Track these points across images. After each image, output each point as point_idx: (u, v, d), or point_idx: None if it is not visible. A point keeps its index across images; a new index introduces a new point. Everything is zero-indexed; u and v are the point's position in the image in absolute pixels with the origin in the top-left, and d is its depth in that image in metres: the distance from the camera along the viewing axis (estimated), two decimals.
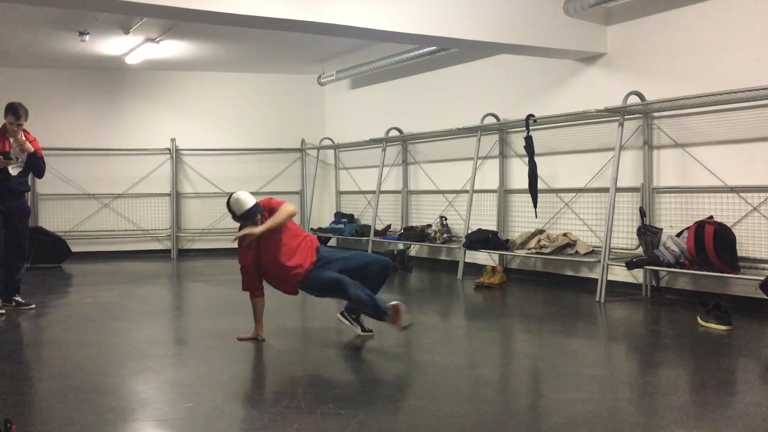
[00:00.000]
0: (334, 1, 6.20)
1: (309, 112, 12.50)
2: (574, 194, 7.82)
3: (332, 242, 12.04)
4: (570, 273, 7.91)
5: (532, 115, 7.73)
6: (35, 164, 6.56)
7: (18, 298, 6.58)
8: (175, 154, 11.87)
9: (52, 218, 11.33)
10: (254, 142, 12.14)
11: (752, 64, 6.13)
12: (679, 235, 6.36)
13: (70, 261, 10.40)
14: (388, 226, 10.45)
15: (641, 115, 7.00)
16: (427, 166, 10.09)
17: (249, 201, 5.04)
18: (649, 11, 7.02)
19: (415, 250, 10.05)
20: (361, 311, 5.16)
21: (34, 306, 6.59)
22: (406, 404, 3.66)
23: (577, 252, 7.46)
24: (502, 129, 8.70)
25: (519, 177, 8.43)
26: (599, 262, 6.86)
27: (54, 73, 11.42)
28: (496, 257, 8.63)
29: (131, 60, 10.42)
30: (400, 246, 9.72)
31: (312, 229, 12.07)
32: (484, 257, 8.64)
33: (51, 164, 11.31)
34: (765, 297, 5.63)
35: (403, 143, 10.42)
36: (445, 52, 8.74)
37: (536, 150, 7.67)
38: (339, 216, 11.67)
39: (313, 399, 3.68)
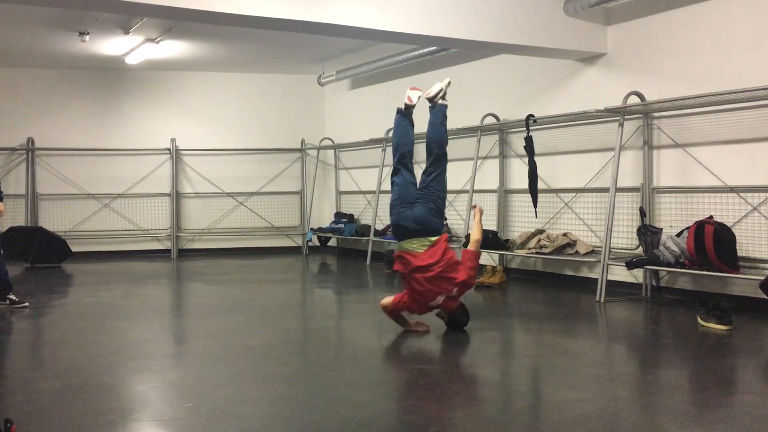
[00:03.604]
0: (334, 1, 6.20)
1: (309, 112, 12.51)
2: (574, 194, 7.82)
3: (332, 242, 12.07)
4: (570, 273, 7.92)
5: (532, 115, 7.72)
6: None
7: (12, 296, 6.61)
8: (175, 154, 11.87)
9: (52, 218, 11.34)
10: (254, 142, 12.14)
11: (752, 64, 6.13)
12: (679, 235, 6.36)
13: (70, 261, 10.40)
14: (388, 226, 10.45)
15: (641, 115, 7.00)
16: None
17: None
18: (649, 11, 7.02)
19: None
20: None
21: (27, 305, 6.62)
22: (406, 404, 3.66)
23: (577, 252, 7.46)
24: (502, 129, 8.70)
25: (519, 177, 8.43)
26: (599, 262, 6.86)
27: (54, 73, 11.43)
28: (496, 257, 8.63)
29: (131, 60, 10.42)
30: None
31: (312, 229, 12.09)
32: (484, 257, 8.63)
33: (51, 164, 11.43)
34: (765, 297, 5.64)
35: None
36: (445, 52, 8.73)
37: (536, 150, 7.66)
38: (339, 216, 11.67)
39: (313, 399, 3.68)
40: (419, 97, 5.66)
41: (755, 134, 6.16)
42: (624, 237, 7.22)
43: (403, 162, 5.50)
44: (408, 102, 5.64)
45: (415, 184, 5.47)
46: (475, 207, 5.82)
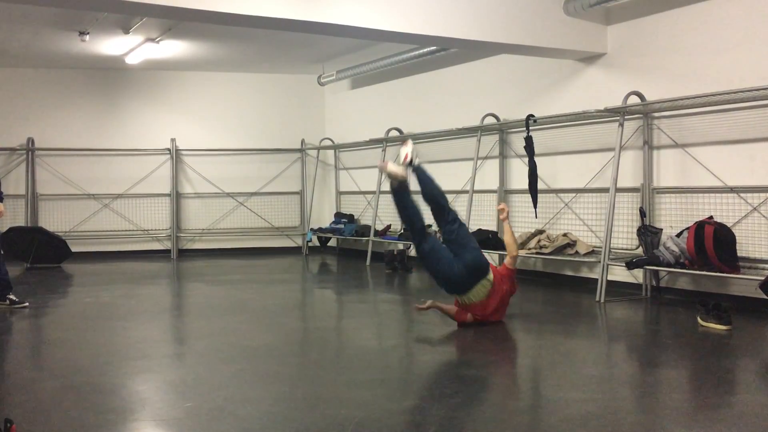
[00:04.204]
0: (334, 1, 6.20)
1: (309, 112, 12.51)
2: (574, 194, 7.82)
3: (332, 242, 12.06)
4: (570, 273, 7.91)
5: (532, 115, 7.72)
6: None
7: (12, 296, 6.60)
8: (175, 154, 11.87)
9: (52, 218, 11.33)
10: (254, 142, 12.14)
11: (752, 64, 6.12)
12: (679, 235, 6.35)
13: (70, 261, 10.40)
14: (388, 226, 10.45)
15: (641, 115, 6.99)
16: (427, 166, 10.04)
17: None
18: (649, 11, 7.02)
19: (415, 250, 10.04)
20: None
21: (27, 305, 6.62)
22: (406, 404, 3.66)
23: (577, 252, 7.46)
24: (502, 129, 8.70)
25: (519, 177, 8.42)
26: (599, 262, 6.86)
27: (54, 73, 11.43)
28: (496, 257, 8.62)
29: (131, 60, 10.42)
30: (400, 246, 9.71)
31: (312, 229, 12.09)
32: None
33: (51, 164, 11.43)
34: (765, 297, 5.63)
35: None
36: (445, 52, 8.73)
37: (536, 150, 7.66)
38: (339, 216, 11.67)
39: (312, 399, 3.68)
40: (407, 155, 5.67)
41: (755, 134, 6.15)
42: (624, 237, 7.21)
43: (424, 232, 5.52)
44: (403, 162, 5.62)
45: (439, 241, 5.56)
46: (502, 211, 5.90)
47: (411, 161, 5.65)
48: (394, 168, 5.50)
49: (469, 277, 5.31)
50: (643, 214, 6.72)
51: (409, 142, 5.77)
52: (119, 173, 11.70)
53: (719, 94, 6.06)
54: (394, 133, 10.38)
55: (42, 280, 8.73)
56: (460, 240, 5.43)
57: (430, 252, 5.43)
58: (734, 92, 5.92)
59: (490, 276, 5.38)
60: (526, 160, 7.76)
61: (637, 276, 7.04)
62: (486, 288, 5.35)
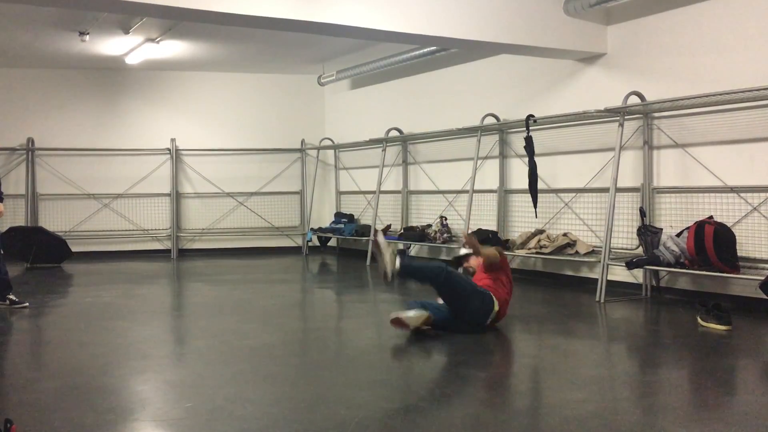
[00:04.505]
0: (334, 1, 6.21)
1: (309, 112, 12.51)
2: (574, 194, 7.82)
3: (332, 242, 12.07)
4: (570, 273, 7.92)
5: (532, 116, 7.73)
6: None
7: (12, 296, 6.60)
8: (175, 154, 11.87)
9: (52, 218, 11.34)
10: (254, 142, 12.14)
11: (752, 64, 6.13)
12: (679, 235, 6.36)
13: (70, 261, 10.40)
14: (388, 226, 10.45)
15: (641, 115, 7.00)
16: (427, 166, 10.09)
17: None
18: (649, 11, 7.02)
19: (415, 250, 10.05)
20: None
21: (27, 305, 6.61)
22: (407, 404, 3.66)
23: (577, 252, 7.46)
24: (502, 129, 8.70)
25: (519, 177, 8.43)
26: (599, 262, 6.86)
27: (54, 73, 11.43)
28: None
29: (131, 60, 10.42)
30: (400, 246, 9.71)
31: (312, 229, 12.09)
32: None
33: (51, 164, 11.43)
34: (765, 297, 5.64)
35: (403, 143, 10.42)
36: (445, 52, 8.74)
37: (536, 150, 7.67)
38: (339, 216, 11.68)
39: (313, 399, 3.68)
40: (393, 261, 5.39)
41: (755, 134, 6.16)
42: (624, 237, 7.22)
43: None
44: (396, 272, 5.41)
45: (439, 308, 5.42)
46: (468, 244, 5.83)
47: (394, 266, 5.35)
48: (414, 320, 5.23)
49: (482, 319, 5.36)
50: (643, 213, 6.72)
51: (387, 247, 5.40)
52: (119, 173, 11.71)
53: (719, 94, 6.06)
54: (394, 133, 10.39)
55: (42, 280, 8.73)
56: (454, 294, 5.31)
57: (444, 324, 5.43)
58: (734, 92, 5.92)
59: (495, 306, 5.37)
60: (526, 160, 7.77)
61: (637, 276, 7.05)
62: (495, 312, 5.40)
